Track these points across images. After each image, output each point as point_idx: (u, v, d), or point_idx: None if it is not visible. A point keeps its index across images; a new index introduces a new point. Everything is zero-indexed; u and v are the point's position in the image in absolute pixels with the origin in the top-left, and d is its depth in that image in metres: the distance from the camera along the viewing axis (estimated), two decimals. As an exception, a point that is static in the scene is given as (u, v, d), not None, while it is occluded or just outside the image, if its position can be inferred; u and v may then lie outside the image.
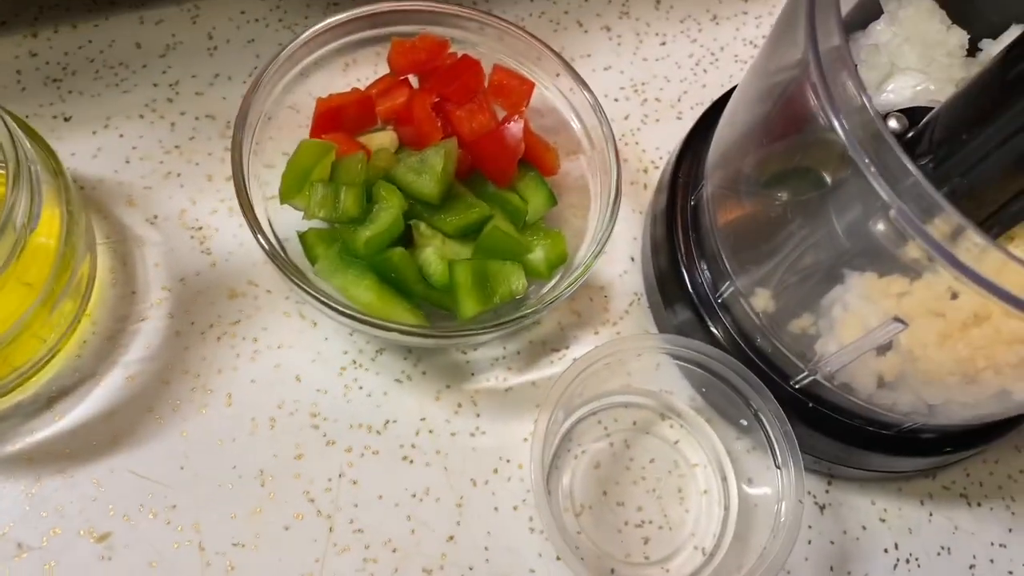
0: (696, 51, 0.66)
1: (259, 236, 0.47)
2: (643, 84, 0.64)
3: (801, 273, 0.46)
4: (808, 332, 0.46)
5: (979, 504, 0.55)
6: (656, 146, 0.62)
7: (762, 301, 0.47)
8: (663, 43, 0.65)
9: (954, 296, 0.43)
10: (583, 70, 0.63)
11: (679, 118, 0.63)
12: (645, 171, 0.61)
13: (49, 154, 0.46)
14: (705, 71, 0.65)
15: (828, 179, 0.42)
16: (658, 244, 0.54)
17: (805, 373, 0.47)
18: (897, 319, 0.40)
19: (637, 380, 0.54)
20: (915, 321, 0.42)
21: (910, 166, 0.34)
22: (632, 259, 0.58)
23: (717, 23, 0.67)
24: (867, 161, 0.35)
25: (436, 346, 0.53)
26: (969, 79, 0.42)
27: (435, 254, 0.50)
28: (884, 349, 0.44)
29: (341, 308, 0.46)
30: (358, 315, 0.46)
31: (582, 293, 0.57)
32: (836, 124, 0.36)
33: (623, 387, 0.54)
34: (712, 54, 0.66)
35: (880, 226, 0.40)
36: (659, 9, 0.66)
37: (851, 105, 0.35)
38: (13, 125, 0.43)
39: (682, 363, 0.52)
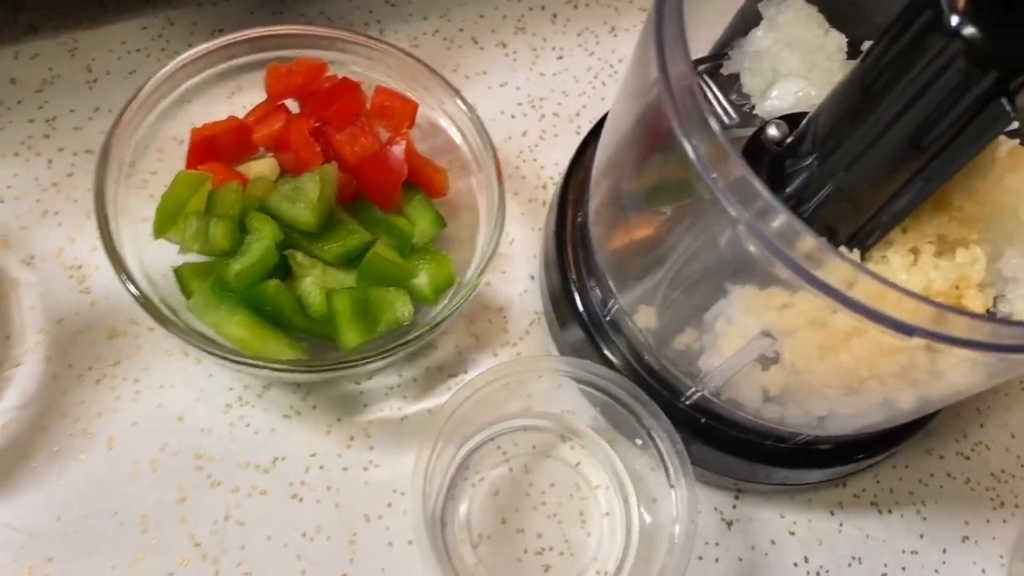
0: (594, 64, 0.65)
1: (125, 280, 0.45)
2: (541, 99, 0.63)
3: (683, 288, 0.45)
4: (692, 348, 0.45)
5: (890, 511, 0.54)
6: (555, 162, 0.61)
7: (645, 318, 0.46)
8: (560, 57, 0.64)
9: (834, 309, 0.42)
10: (479, 87, 0.62)
11: (578, 132, 0.62)
12: (544, 187, 0.60)
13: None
14: (604, 84, 0.64)
15: (696, 197, 0.41)
16: (550, 262, 0.53)
17: (693, 389, 0.46)
18: (766, 333, 0.39)
19: (538, 402, 0.53)
20: (797, 333, 0.41)
21: (758, 187, 0.33)
22: (532, 277, 0.57)
23: (615, 35, 0.66)
24: (718, 184, 0.34)
25: (321, 380, 0.51)
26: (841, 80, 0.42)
27: (314, 284, 0.48)
28: (768, 362, 0.43)
29: (209, 348, 0.44)
30: (227, 354, 0.44)
31: (480, 315, 0.55)
32: (687, 147, 0.35)
33: (523, 410, 0.53)
34: (611, 66, 0.65)
35: (753, 247, 0.40)
36: (555, 23, 0.65)
37: (700, 129, 0.34)
38: None
39: (578, 383, 0.51)
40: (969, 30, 0.33)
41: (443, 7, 0.64)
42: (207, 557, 0.47)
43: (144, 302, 0.45)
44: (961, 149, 0.37)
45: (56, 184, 0.55)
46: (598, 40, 0.65)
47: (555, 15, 0.66)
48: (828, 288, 0.33)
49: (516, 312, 0.56)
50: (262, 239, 0.47)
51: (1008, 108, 0.34)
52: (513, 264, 0.57)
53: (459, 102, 0.52)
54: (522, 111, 0.62)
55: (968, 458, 0.57)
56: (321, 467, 0.50)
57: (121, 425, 0.50)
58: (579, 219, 0.51)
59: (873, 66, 0.38)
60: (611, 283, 0.47)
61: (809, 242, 0.33)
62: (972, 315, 0.33)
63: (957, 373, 0.40)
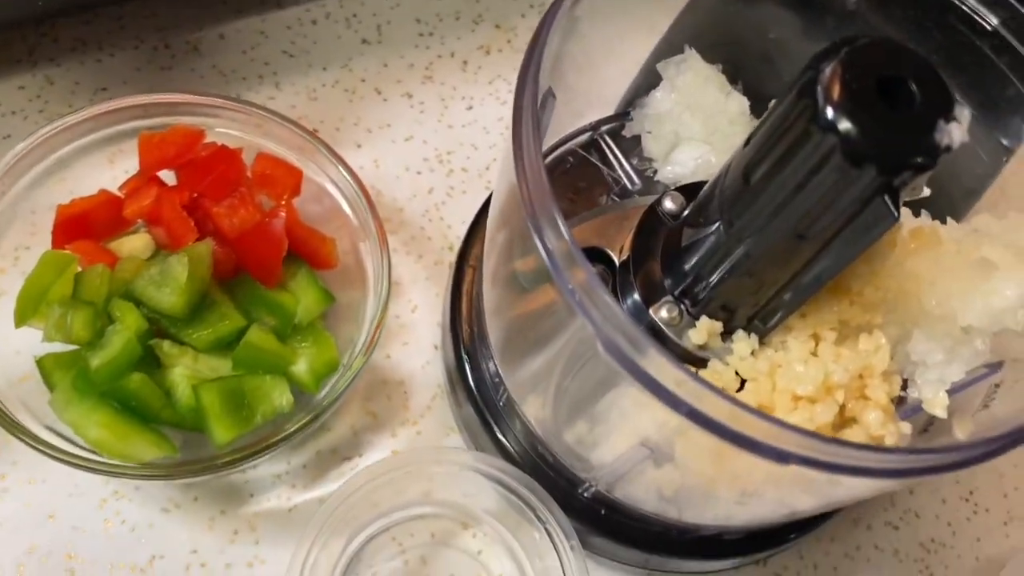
0: (506, 113, 0.61)
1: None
2: (449, 153, 0.59)
3: (571, 379, 0.42)
4: (584, 441, 0.42)
5: (813, 591, 0.51)
6: (463, 220, 0.57)
7: (534, 409, 0.43)
8: (470, 107, 0.61)
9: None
10: (382, 142, 0.59)
11: (487, 188, 0.59)
12: (451, 248, 0.57)
13: None
14: (517, 133, 0.61)
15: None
16: (446, 334, 0.50)
17: (587, 484, 0.43)
18: (645, 444, 0.36)
19: (438, 487, 0.50)
20: (688, 433, 0.38)
21: (604, 296, 0.30)
22: (436, 347, 0.54)
23: (529, 81, 0.63)
24: (569, 286, 0.31)
25: (191, 482, 0.48)
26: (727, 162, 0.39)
27: (183, 374, 0.45)
28: (663, 459, 0.40)
29: (58, 455, 0.41)
30: (79, 461, 0.41)
31: (379, 390, 0.52)
32: (539, 245, 0.32)
33: (422, 496, 0.49)
34: (524, 115, 0.62)
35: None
36: (466, 71, 0.62)
37: (551, 227, 0.32)
38: None
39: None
40: (845, 125, 0.30)
41: (344, 56, 0.60)
42: (74, 672, 0.44)
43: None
44: (847, 244, 0.34)
45: (-79, 261, 0.51)
46: (510, 87, 0.62)
47: (465, 62, 0.62)
48: (683, 407, 0.30)
49: (418, 386, 0.53)
50: (123, 330, 0.44)
51: (891, 207, 0.31)
52: (416, 333, 0.54)
53: (341, 169, 0.49)
54: (428, 166, 0.59)
55: (897, 528, 0.54)
56: (203, 565, 0.47)
57: (-17, 528, 0.46)
58: (476, 289, 0.48)
59: (755, 154, 0.35)
60: (498, 367, 0.44)
61: (655, 357, 0.30)
62: (832, 441, 0.30)
63: (858, 483, 0.37)
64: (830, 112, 0.30)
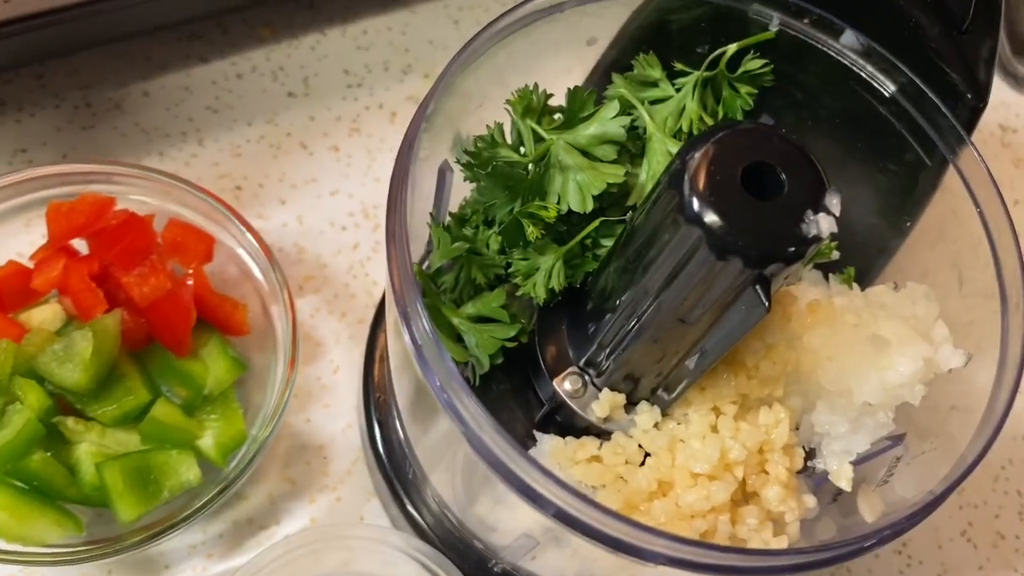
0: (435, 165, 0.61)
1: None
2: (375, 207, 0.59)
3: (466, 460, 0.41)
4: (485, 521, 0.41)
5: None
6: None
7: (440, 484, 0.42)
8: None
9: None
10: (307, 197, 0.58)
11: (414, 243, 0.58)
12: (376, 307, 0.56)
13: None
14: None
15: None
16: (359, 401, 0.49)
17: (494, 561, 0.42)
18: (528, 536, 0.36)
19: (357, 557, 0.49)
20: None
21: (471, 400, 0.29)
22: (358, 410, 0.53)
23: (459, 131, 0.62)
24: (434, 381, 0.31)
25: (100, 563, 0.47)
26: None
27: (88, 451, 0.44)
28: (563, 544, 0.40)
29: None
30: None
31: (297, 455, 0.52)
32: (407, 337, 0.31)
33: (340, 566, 0.49)
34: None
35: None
36: (394, 122, 0.62)
37: (416, 321, 0.31)
38: None
39: None
40: (710, 217, 0.30)
41: (269, 111, 0.60)
42: None
43: None
44: (726, 329, 0.33)
45: None
46: (439, 138, 0.62)
47: (394, 113, 0.62)
48: (551, 507, 0.30)
49: (338, 450, 0.52)
50: (24, 410, 0.43)
51: (762, 298, 0.31)
52: (337, 395, 0.53)
53: (247, 234, 0.49)
54: (354, 221, 0.58)
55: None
56: (112, 644, 0.46)
57: None
58: (382, 354, 0.47)
59: (633, 239, 0.35)
60: (407, 440, 0.44)
61: (525, 467, 0.29)
62: (694, 544, 0.30)
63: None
64: (695, 204, 0.30)
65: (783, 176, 0.31)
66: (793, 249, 0.30)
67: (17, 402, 0.44)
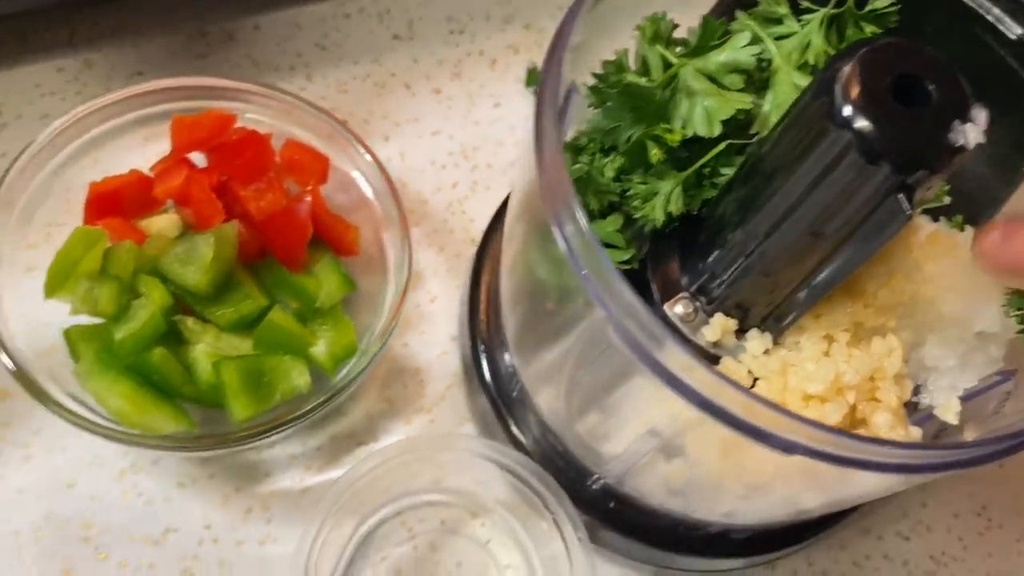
0: (529, 110, 0.62)
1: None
2: (474, 149, 0.60)
3: (585, 371, 0.42)
4: (596, 432, 0.42)
5: (819, 597, 0.51)
6: (485, 215, 0.58)
7: (547, 399, 0.43)
8: (497, 104, 0.62)
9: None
10: (409, 135, 0.60)
11: (510, 186, 0.59)
12: (473, 242, 0.57)
13: None
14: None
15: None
16: (464, 326, 0.50)
17: (597, 475, 0.43)
18: (653, 432, 0.37)
19: (449, 474, 0.50)
20: (698, 428, 0.39)
21: (622, 287, 0.30)
22: (452, 338, 0.54)
23: (557, 81, 0.64)
24: (586, 276, 0.32)
25: (209, 456, 0.49)
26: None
27: (205, 352, 0.46)
28: (672, 455, 0.41)
29: (82, 423, 0.42)
30: (101, 429, 0.42)
31: (395, 378, 0.53)
32: (558, 237, 0.33)
33: (433, 482, 0.50)
34: (550, 114, 0.62)
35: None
36: (494, 69, 0.63)
37: (570, 220, 0.32)
38: None
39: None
40: (861, 122, 0.31)
41: (375, 51, 0.62)
42: (86, 637, 0.45)
43: (17, 374, 0.43)
44: (863, 242, 0.34)
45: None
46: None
47: (494, 61, 0.63)
48: (695, 396, 0.30)
49: (434, 375, 0.53)
50: (148, 305, 0.45)
51: (905, 205, 0.31)
52: (434, 324, 0.55)
53: (368, 158, 0.50)
54: (454, 161, 0.60)
55: (908, 539, 0.54)
56: (215, 540, 0.48)
57: (6, 493, 0.47)
58: (495, 283, 0.49)
59: (771, 152, 0.35)
60: (515, 357, 0.45)
61: (673, 350, 0.30)
62: (842, 434, 0.30)
63: (865, 479, 0.37)
64: (847, 110, 0.31)
65: (930, 87, 0.31)
66: (940, 156, 0.31)
67: (142, 298, 0.45)
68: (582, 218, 0.31)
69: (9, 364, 0.43)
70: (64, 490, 0.48)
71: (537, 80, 0.38)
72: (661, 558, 0.46)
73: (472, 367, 0.49)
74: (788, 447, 0.30)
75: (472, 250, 0.57)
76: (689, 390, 0.31)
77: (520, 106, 0.62)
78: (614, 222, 0.43)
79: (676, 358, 0.30)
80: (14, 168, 0.48)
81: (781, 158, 0.35)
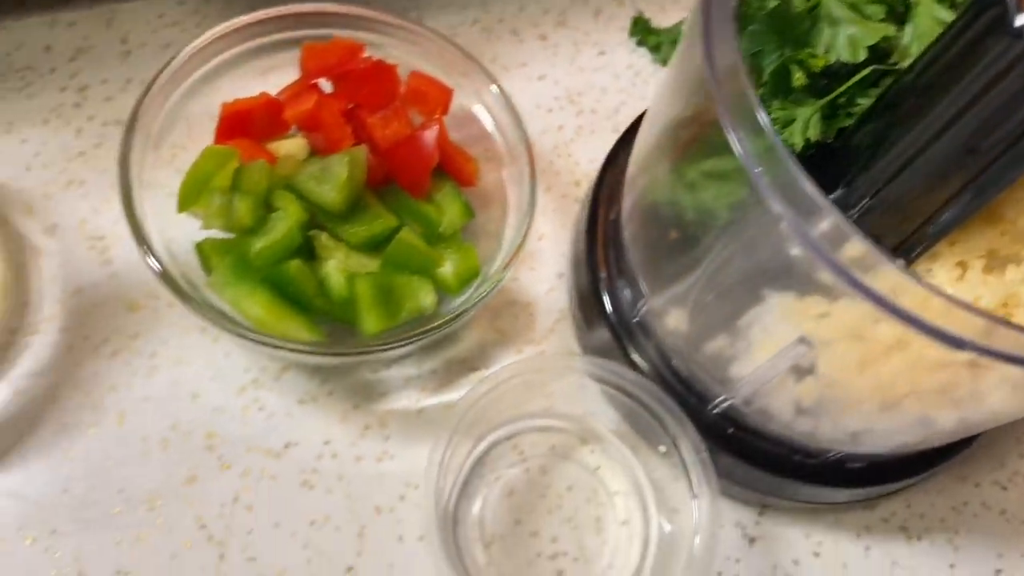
0: (636, 62, 0.63)
1: (145, 252, 0.44)
2: (579, 95, 0.61)
3: (718, 292, 0.43)
4: (724, 354, 0.43)
5: (919, 538, 0.52)
6: (590, 159, 0.59)
7: (676, 321, 0.44)
8: (602, 53, 0.63)
9: (876, 320, 0.40)
10: (516, 80, 0.61)
11: (615, 130, 0.60)
12: (577, 184, 0.58)
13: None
14: (645, 83, 0.63)
15: (739, 198, 0.40)
16: (579, 260, 0.51)
17: (723, 397, 0.44)
18: (802, 340, 0.37)
19: (559, 402, 0.51)
20: (835, 344, 0.40)
21: (807, 186, 0.31)
22: (560, 275, 0.55)
23: (659, 33, 0.65)
24: (764, 180, 0.32)
25: (340, 364, 0.50)
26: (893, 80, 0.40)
27: (337, 267, 0.47)
28: (803, 373, 0.41)
29: (227, 325, 0.43)
30: (244, 332, 0.43)
31: (506, 310, 0.54)
32: (734, 141, 0.33)
33: (543, 409, 0.51)
34: (652, 64, 0.63)
35: (795, 249, 0.38)
36: (598, 19, 0.64)
37: (747, 121, 0.33)
38: None
39: (602, 385, 0.49)
40: (1037, 30, 0.31)
41: (484, -3, 0.63)
42: (212, 540, 0.46)
43: (164, 276, 0.44)
44: (1018, 158, 0.35)
45: (83, 154, 0.54)
46: (639, 39, 0.64)
47: (599, 11, 0.64)
48: (875, 296, 0.31)
49: (542, 309, 0.54)
50: (286, 218, 0.46)
51: (1075, 116, 0.32)
52: (541, 260, 0.56)
53: (496, 89, 0.51)
54: (559, 105, 0.61)
55: (1005, 488, 0.54)
56: (334, 455, 0.49)
57: (134, 400, 0.49)
58: (612, 217, 0.50)
59: (930, 66, 0.36)
60: (643, 283, 0.46)
61: (858, 245, 0.31)
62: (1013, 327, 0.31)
63: (999, 394, 0.38)
64: (1020, 19, 0.32)
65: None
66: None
67: (279, 211, 0.47)
68: (763, 115, 0.32)
69: (156, 266, 0.44)
70: (189, 401, 0.49)
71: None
72: (773, 485, 0.47)
73: (590, 298, 0.49)
74: (958, 343, 0.31)
75: (577, 191, 0.58)
76: (868, 289, 0.31)
77: (623, 55, 0.63)
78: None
79: (862, 255, 0.31)
80: (148, 96, 0.49)
81: (935, 78, 0.36)
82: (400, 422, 0.50)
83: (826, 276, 0.38)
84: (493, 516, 0.49)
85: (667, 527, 0.48)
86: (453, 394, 0.51)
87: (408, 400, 0.51)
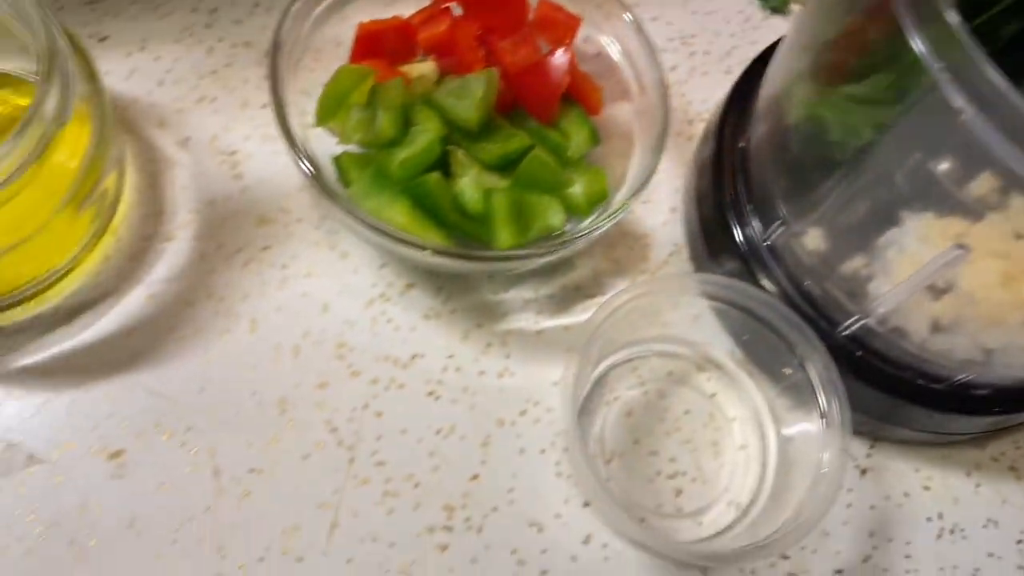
0: (746, 8, 0.64)
1: (300, 158, 0.45)
2: (692, 36, 0.62)
3: (856, 213, 0.44)
4: (861, 273, 0.44)
5: (1029, 478, 0.52)
6: (703, 99, 0.60)
7: (814, 241, 0.45)
8: (713, -3, 0.64)
9: (1019, 237, 0.41)
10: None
11: (727, 73, 0.61)
12: (690, 123, 0.59)
13: (83, 57, 0.45)
14: (756, 28, 0.63)
15: (894, 110, 0.40)
16: (703, 192, 0.52)
17: (856, 317, 0.45)
18: (959, 245, 0.38)
19: (674, 330, 0.52)
20: (975, 263, 0.40)
21: (997, 79, 0.32)
22: (673, 210, 0.56)
23: (769, -19, 0.65)
24: (947, 80, 0.33)
25: (471, 271, 0.51)
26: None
27: (472, 183, 0.48)
28: (940, 292, 0.42)
29: (379, 227, 0.44)
30: (395, 233, 0.44)
31: (620, 240, 0.55)
32: (915, 39, 0.34)
33: (659, 336, 0.52)
34: (763, 11, 0.64)
35: (943, 165, 0.39)
36: (709, -37, 0.65)
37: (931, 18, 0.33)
38: (50, 16, 0.42)
39: (724, 306, 0.49)
40: None
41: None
42: (343, 443, 0.47)
43: (315, 179, 0.45)
44: None
45: (215, 72, 0.55)
46: (751, -16, 0.65)
47: (710, -44, 0.65)
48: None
49: (656, 242, 0.55)
50: (428, 131, 0.47)
51: None
52: (656, 195, 0.56)
53: (630, 17, 0.52)
54: (673, 46, 0.61)
55: (1113, 435, 0.55)
56: (458, 369, 0.50)
57: (265, 309, 0.50)
58: (741, 145, 0.50)
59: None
60: (781, 207, 0.46)
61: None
62: None
63: None
64: None
65: None
66: None
67: (420, 125, 0.48)
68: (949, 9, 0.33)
69: (308, 169, 0.45)
70: (319, 312, 0.50)
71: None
72: (895, 411, 0.48)
73: (715, 227, 0.50)
74: None
75: (690, 130, 0.59)
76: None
77: (734, 1, 0.64)
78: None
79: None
80: (286, 19, 0.49)
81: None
82: (519, 342, 0.51)
83: (973, 192, 0.39)
84: (612, 435, 0.49)
85: (785, 452, 0.49)
86: (569, 319, 0.52)
87: (526, 322, 0.52)
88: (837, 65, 0.43)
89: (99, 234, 0.48)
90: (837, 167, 0.43)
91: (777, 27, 0.64)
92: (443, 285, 0.52)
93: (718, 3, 0.63)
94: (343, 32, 0.53)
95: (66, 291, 0.48)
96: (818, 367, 0.45)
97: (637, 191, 0.48)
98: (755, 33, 0.63)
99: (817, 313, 0.47)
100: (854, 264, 0.44)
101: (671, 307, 0.51)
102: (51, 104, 0.40)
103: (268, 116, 0.53)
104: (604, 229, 0.48)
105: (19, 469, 0.45)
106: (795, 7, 0.65)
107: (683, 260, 0.55)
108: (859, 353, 0.46)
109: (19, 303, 0.46)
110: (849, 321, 0.45)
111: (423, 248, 0.44)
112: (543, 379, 0.50)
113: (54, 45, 0.41)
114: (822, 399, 0.45)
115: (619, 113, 0.54)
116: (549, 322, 0.52)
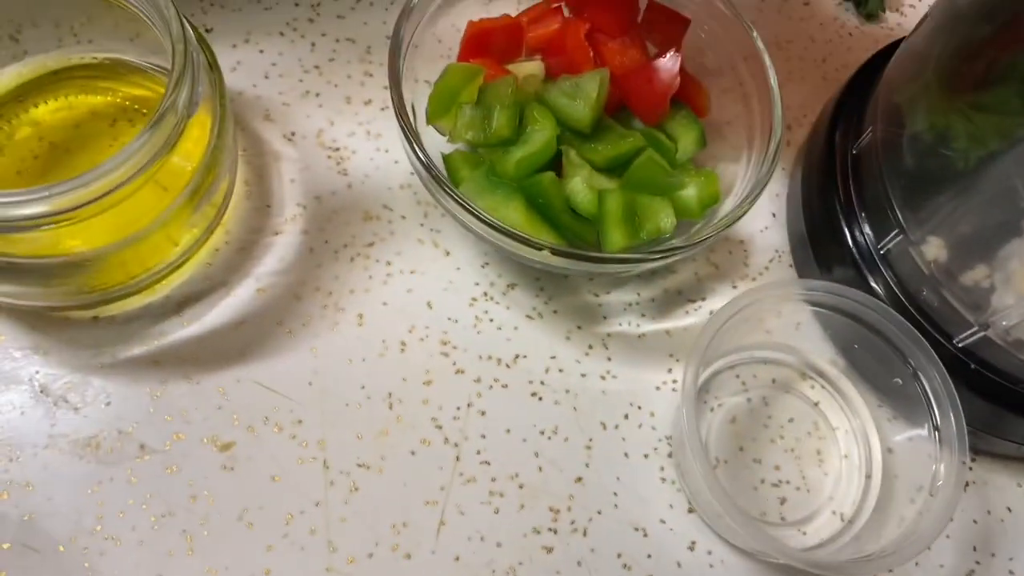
0: (841, 14, 0.64)
1: (419, 155, 0.45)
2: (788, 42, 0.62)
3: (979, 223, 0.43)
4: (982, 284, 0.43)
5: None
6: (800, 103, 0.60)
7: (934, 250, 0.45)
8: (806, 3, 0.63)
9: None
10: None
11: (824, 79, 0.61)
12: (788, 128, 0.59)
13: (204, 45, 0.45)
14: (850, 35, 0.63)
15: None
16: (811, 198, 0.52)
17: (974, 329, 0.44)
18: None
19: (776, 337, 0.52)
20: None
21: None
22: (773, 215, 0.56)
23: (865, -13, 0.65)
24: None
25: (582, 272, 0.50)
26: None
27: (583, 183, 0.48)
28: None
29: (497, 225, 0.44)
30: (513, 232, 0.44)
31: (721, 245, 0.55)
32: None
33: (761, 342, 0.52)
34: (857, 17, 0.63)
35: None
36: (806, -31, 0.64)
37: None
38: (181, 13, 0.42)
39: (829, 313, 0.48)
40: None
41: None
42: (448, 441, 0.47)
43: (429, 171, 0.45)
44: None
45: (318, 67, 0.56)
46: (847, -9, 0.64)
47: (805, -39, 0.64)
48: None
49: (756, 247, 0.55)
50: (543, 130, 0.47)
51: None
52: (757, 201, 0.56)
53: (742, 27, 0.51)
54: (769, 51, 0.61)
55: None
56: (560, 370, 0.50)
57: (372, 303, 0.50)
58: (853, 151, 0.50)
59: None
60: (898, 214, 0.46)
61: None
62: None
63: None
64: None
65: None
66: None
67: (536, 123, 0.47)
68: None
69: (422, 157, 0.45)
70: (423, 308, 0.50)
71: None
72: (1003, 422, 0.47)
73: (824, 233, 0.50)
74: None
75: (789, 135, 0.59)
76: None
77: (829, 7, 0.63)
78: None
79: None
80: (404, 17, 0.49)
81: None
82: (621, 345, 0.51)
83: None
84: (717, 441, 0.49)
85: (890, 464, 0.49)
86: (670, 323, 0.52)
87: (628, 325, 0.52)
88: (966, 73, 0.43)
89: (213, 228, 0.48)
90: (960, 176, 0.43)
91: (872, 34, 0.63)
92: (544, 286, 0.52)
93: (812, 9, 0.63)
94: (444, 31, 0.53)
95: (176, 282, 0.49)
96: (934, 379, 0.45)
97: (753, 198, 0.48)
98: (850, 40, 0.63)
99: (931, 324, 0.46)
100: (975, 275, 0.43)
101: (774, 314, 0.51)
102: (184, 94, 0.41)
103: (371, 113, 0.54)
104: (720, 233, 0.47)
105: (131, 458, 0.45)
106: (889, 15, 0.65)
107: (784, 266, 0.55)
108: (973, 366, 0.46)
109: (132, 294, 0.47)
110: (966, 333, 0.45)
111: (541, 247, 0.44)
112: (646, 383, 0.50)
113: (187, 34, 0.41)
114: (936, 412, 0.45)
115: (724, 114, 0.53)
116: (650, 326, 0.52)
